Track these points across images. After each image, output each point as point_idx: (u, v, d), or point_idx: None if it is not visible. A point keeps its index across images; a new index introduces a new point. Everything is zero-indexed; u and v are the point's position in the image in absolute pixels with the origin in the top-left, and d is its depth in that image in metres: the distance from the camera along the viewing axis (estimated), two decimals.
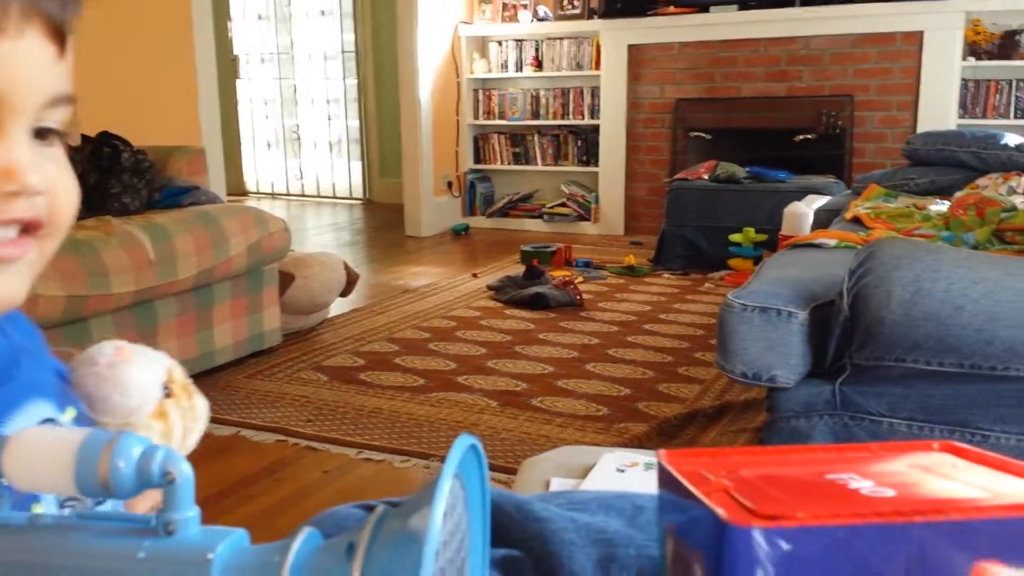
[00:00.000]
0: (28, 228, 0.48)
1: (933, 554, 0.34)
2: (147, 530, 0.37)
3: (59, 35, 0.46)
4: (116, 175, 2.77)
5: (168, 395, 0.61)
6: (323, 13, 7.25)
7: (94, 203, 2.64)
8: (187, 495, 0.36)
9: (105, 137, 2.81)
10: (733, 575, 0.34)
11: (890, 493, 0.36)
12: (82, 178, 0.53)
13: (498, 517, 0.61)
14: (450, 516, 0.35)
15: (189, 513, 0.36)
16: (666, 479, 0.41)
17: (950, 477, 0.38)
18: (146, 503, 0.56)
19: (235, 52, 7.62)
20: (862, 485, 0.37)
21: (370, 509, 0.70)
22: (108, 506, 0.51)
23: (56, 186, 0.48)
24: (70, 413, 0.55)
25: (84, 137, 2.78)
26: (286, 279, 3.07)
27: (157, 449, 0.36)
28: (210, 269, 2.61)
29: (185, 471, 0.36)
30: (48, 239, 0.49)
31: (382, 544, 0.33)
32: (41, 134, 0.48)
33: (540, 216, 5.74)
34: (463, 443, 0.35)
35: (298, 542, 0.35)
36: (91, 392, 0.58)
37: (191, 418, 0.63)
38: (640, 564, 0.57)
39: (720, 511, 0.35)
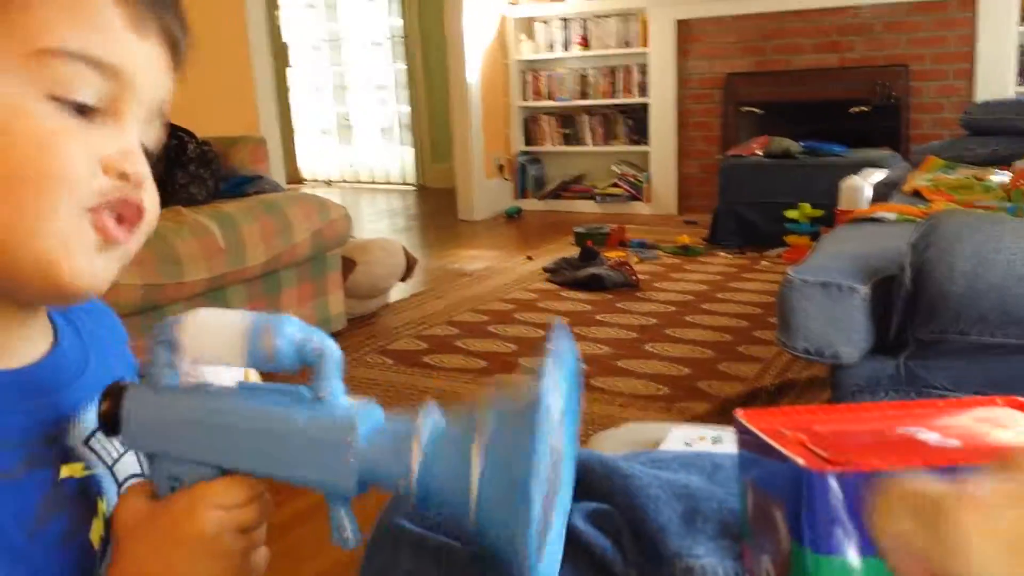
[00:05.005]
0: (126, 219, 0.51)
1: None
2: (302, 398, 0.45)
3: (174, 48, 0.54)
4: (183, 166, 2.86)
5: None
6: None
7: (162, 194, 2.72)
8: (335, 369, 0.45)
9: (170, 129, 2.90)
10: (812, 519, 0.38)
11: (955, 443, 0.40)
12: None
13: (585, 473, 0.65)
14: (555, 396, 0.42)
15: (336, 384, 0.44)
16: (745, 436, 0.45)
17: (1013, 428, 0.42)
18: None
19: (284, 40, 7.73)
20: (929, 437, 0.41)
21: None
22: None
23: (150, 185, 0.53)
24: None
25: None
26: (348, 265, 3.14)
27: (312, 332, 0.45)
28: (277, 256, 2.69)
29: (334, 349, 0.45)
30: (140, 234, 0.53)
31: (499, 419, 0.41)
32: None
33: (592, 198, 5.74)
34: (562, 329, 0.43)
35: (429, 414, 0.44)
36: None
37: None
38: (722, 516, 0.61)
39: (799, 460, 0.39)
